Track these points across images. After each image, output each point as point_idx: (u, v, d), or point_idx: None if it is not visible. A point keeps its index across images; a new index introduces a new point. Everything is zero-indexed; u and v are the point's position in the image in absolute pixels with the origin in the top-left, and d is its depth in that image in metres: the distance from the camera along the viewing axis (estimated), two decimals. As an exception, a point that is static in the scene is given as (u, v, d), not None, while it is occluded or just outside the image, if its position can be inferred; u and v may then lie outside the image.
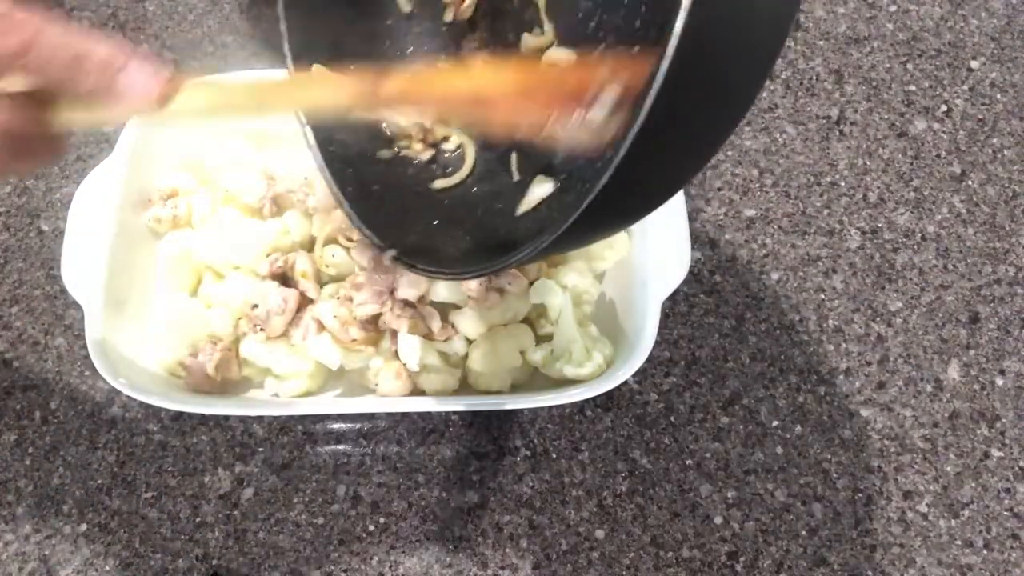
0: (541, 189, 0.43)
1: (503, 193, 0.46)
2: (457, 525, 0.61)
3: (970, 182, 0.73)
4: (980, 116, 0.76)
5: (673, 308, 0.68)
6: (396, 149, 0.50)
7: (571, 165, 0.42)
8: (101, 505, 0.61)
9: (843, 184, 0.73)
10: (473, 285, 0.57)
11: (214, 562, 0.60)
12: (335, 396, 0.61)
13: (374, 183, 0.49)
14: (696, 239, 0.70)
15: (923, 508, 0.62)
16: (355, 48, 0.50)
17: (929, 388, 0.65)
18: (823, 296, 0.69)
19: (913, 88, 0.78)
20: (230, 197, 0.63)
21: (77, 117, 0.35)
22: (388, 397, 0.58)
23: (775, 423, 0.64)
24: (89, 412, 0.64)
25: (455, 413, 0.64)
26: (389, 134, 0.50)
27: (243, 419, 0.64)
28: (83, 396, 0.65)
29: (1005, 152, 0.75)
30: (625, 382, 0.58)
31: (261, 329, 0.58)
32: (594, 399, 0.63)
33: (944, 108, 0.77)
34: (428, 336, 0.58)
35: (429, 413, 0.64)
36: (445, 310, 0.59)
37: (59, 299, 0.68)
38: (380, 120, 0.50)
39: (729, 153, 0.74)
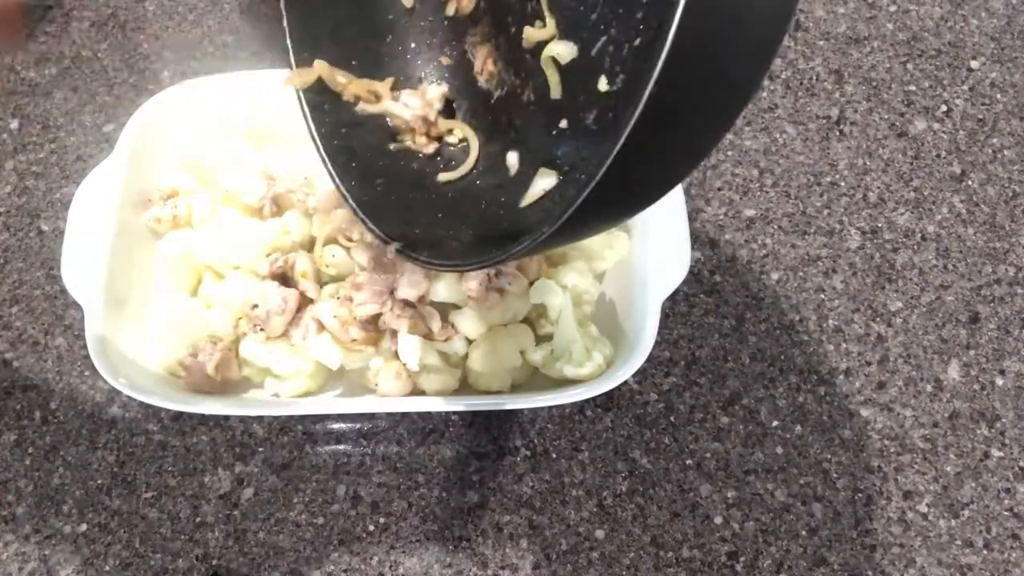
0: (544, 182, 0.43)
1: (506, 186, 0.46)
2: (457, 525, 0.61)
3: (970, 182, 0.73)
4: (980, 116, 0.76)
5: (673, 308, 0.68)
6: (400, 142, 0.51)
7: (574, 158, 0.42)
8: (101, 505, 0.61)
9: (843, 184, 0.73)
10: (473, 285, 0.57)
11: (214, 562, 0.60)
12: (335, 396, 0.61)
13: (378, 176, 0.49)
14: (696, 239, 0.70)
15: (923, 508, 0.62)
16: (357, 43, 0.50)
17: (929, 388, 0.65)
18: (823, 296, 0.69)
19: (913, 88, 0.78)
20: (230, 197, 0.63)
21: None
22: (388, 397, 0.58)
23: (775, 423, 0.64)
24: (89, 412, 0.64)
25: (455, 413, 0.64)
26: (393, 128, 0.50)
27: (243, 419, 0.64)
28: (83, 396, 0.65)
29: (1005, 152, 0.75)
30: (625, 382, 0.58)
31: (261, 329, 0.58)
32: (594, 399, 0.63)
33: (944, 108, 0.77)
34: (428, 336, 0.58)
35: (429, 413, 0.64)
36: (445, 310, 0.59)
37: (59, 299, 0.68)
38: (384, 113, 0.50)
39: (729, 153, 0.74)
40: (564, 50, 0.43)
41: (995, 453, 0.63)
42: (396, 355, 0.58)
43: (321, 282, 0.61)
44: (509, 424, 0.64)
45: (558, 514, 0.61)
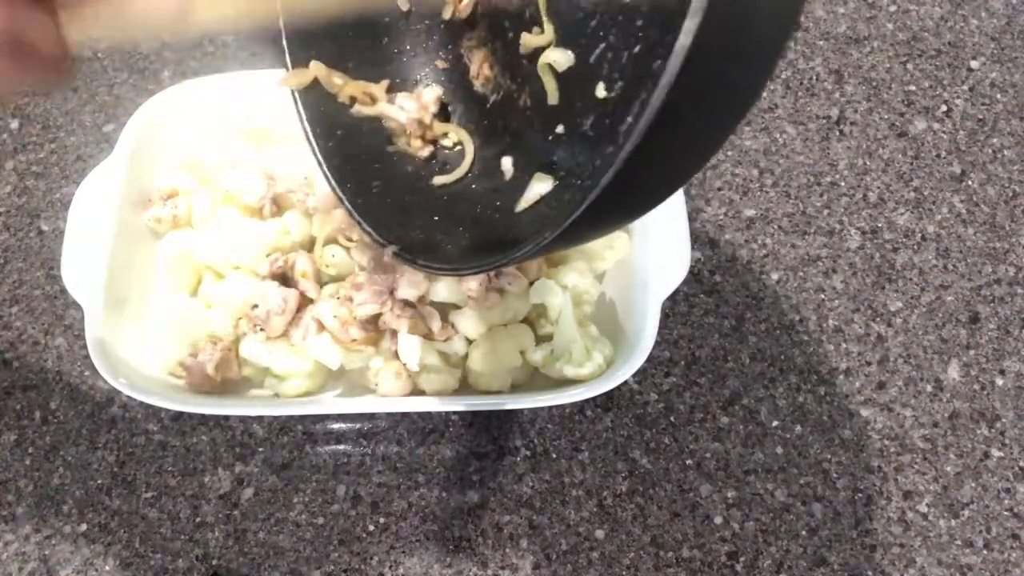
0: (540, 186, 0.43)
1: (502, 190, 0.46)
2: (457, 525, 0.61)
3: (970, 182, 0.73)
4: (980, 116, 0.76)
5: (673, 308, 0.68)
6: (395, 146, 0.50)
7: (570, 163, 0.42)
8: (101, 505, 0.61)
9: (843, 184, 0.73)
10: (473, 285, 0.57)
11: (214, 562, 0.60)
12: (335, 396, 0.61)
13: (374, 180, 0.49)
14: (696, 239, 0.70)
15: (923, 508, 0.62)
16: (353, 45, 0.50)
17: (929, 388, 0.65)
18: (823, 296, 0.69)
19: (913, 88, 0.78)
20: (230, 197, 0.63)
21: (90, 29, 0.35)
22: (388, 397, 0.58)
23: (775, 423, 0.64)
24: (89, 412, 0.64)
25: (455, 413, 0.64)
26: (388, 130, 0.50)
27: (243, 419, 0.64)
28: (83, 396, 0.65)
29: (1005, 152, 0.75)
30: (625, 382, 0.58)
31: (261, 329, 0.58)
32: (594, 399, 0.63)
33: (944, 108, 0.77)
34: (428, 336, 0.58)
35: (429, 413, 0.64)
36: (445, 310, 0.59)
37: (59, 299, 0.68)
38: (379, 116, 0.50)
39: (729, 153, 0.74)
40: (561, 58, 0.43)
41: (995, 453, 0.63)
42: (396, 355, 0.58)
43: (321, 282, 0.61)
44: (509, 424, 0.64)
45: (558, 514, 0.61)
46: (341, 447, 0.63)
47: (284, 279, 0.61)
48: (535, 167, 0.44)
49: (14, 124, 0.76)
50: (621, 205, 0.35)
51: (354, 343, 0.58)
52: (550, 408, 0.64)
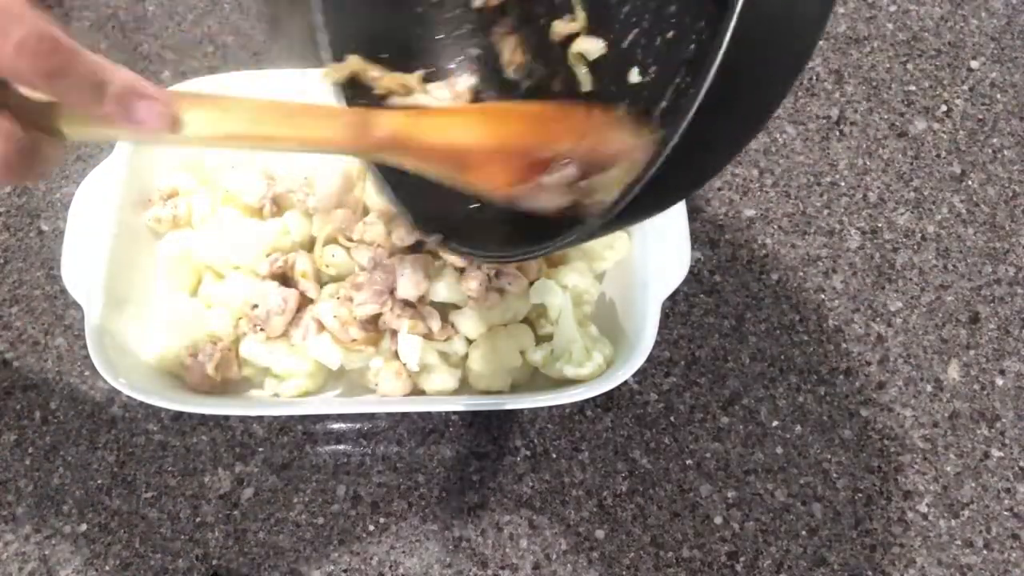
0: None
1: None
2: (457, 525, 0.61)
3: (970, 182, 0.73)
4: (980, 116, 0.76)
5: (673, 308, 0.68)
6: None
7: None
8: (101, 505, 0.61)
9: (843, 184, 0.73)
10: (473, 285, 0.57)
11: (214, 562, 0.60)
12: (335, 396, 0.61)
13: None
14: (696, 239, 0.70)
15: (923, 508, 0.62)
16: (387, 36, 0.51)
17: (929, 388, 0.65)
18: (823, 296, 0.69)
19: (913, 88, 0.78)
20: (230, 197, 0.63)
21: (80, 132, 0.36)
22: (388, 397, 0.58)
23: (775, 423, 0.64)
24: (89, 412, 0.64)
25: (455, 413, 0.64)
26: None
27: (243, 419, 0.64)
28: (83, 396, 0.65)
29: (1005, 152, 0.75)
30: (625, 382, 0.58)
31: (261, 329, 0.58)
32: (594, 399, 0.63)
33: (944, 108, 0.77)
34: (428, 336, 0.58)
35: (429, 413, 0.64)
36: (445, 310, 0.59)
37: (59, 299, 0.68)
38: (415, 106, 0.50)
39: (729, 153, 0.74)
40: (592, 47, 0.43)
41: (995, 453, 0.63)
42: (396, 355, 0.58)
43: (321, 282, 0.61)
44: (509, 424, 0.64)
45: (558, 514, 0.61)
46: (341, 447, 0.63)
47: (284, 279, 0.61)
48: None
49: (14, 124, 0.76)
50: (669, 188, 0.35)
51: (354, 343, 0.58)
52: (550, 408, 0.64)
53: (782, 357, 0.66)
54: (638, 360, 0.55)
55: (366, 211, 0.62)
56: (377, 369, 0.59)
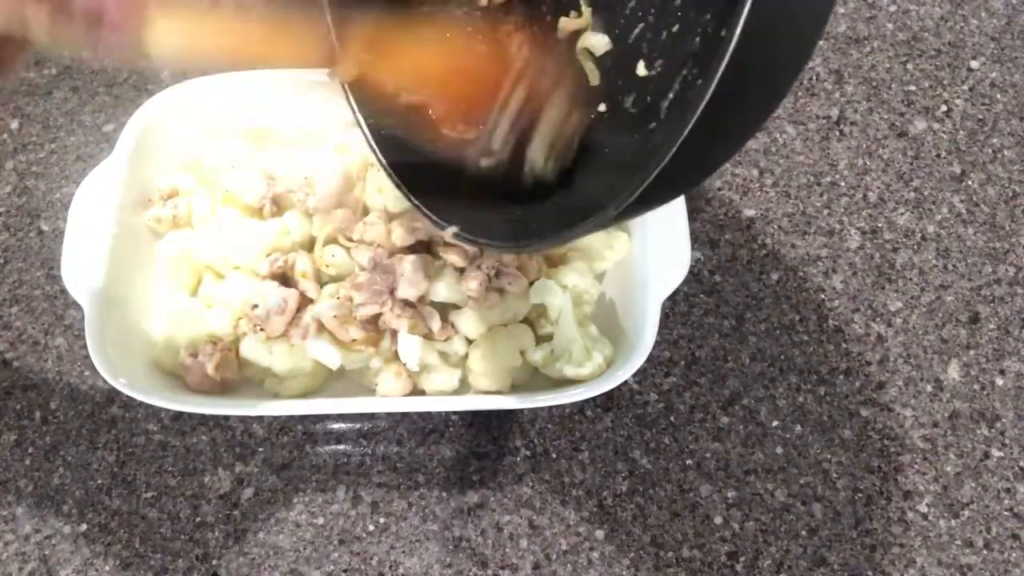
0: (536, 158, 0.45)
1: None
2: (457, 525, 0.61)
3: (970, 182, 0.73)
4: (980, 116, 0.76)
5: (673, 308, 0.68)
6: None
7: (613, 140, 0.43)
8: (101, 505, 0.61)
9: (843, 184, 0.73)
10: (473, 285, 0.57)
11: (214, 562, 0.60)
12: (335, 396, 0.61)
13: (425, 165, 0.50)
14: (696, 239, 0.70)
15: (923, 508, 0.62)
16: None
17: (929, 388, 0.65)
18: (823, 296, 0.69)
19: (913, 88, 0.78)
20: (230, 197, 0.63)
21: (46, 43, 0.36)
22: (388, 397, 0.58)
23: (775, 423, 0.64)
24: (89, 412, 0.64)
25: (455, 413, 0.64)
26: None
27: (243, 419, 0.64)
28: (83, 396, 0.65)
29: (1005, 152, 0.75)
30: (625, 382, 0.58)
31: (261, 329, 0.58)
32: (594, 399, 0.63)
33: (944, 108, 0.77)
34: (428, 336, 0.58)
35: (429, 413, 0.64)
36: (445, 310, 0.59)
37: (59, 299, 0.68)
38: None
39: (729, 153, 0.74)
40: (598, 42, 0.43)
41: (995, 453, 0.63)
42: (396, 355, 0.58)
43: (321, 282, 0.61)
44: (509, 424, 0.64)
45: (558, 514, 0.61)
46: (341, 447, 0.63)
47: (284, 279, 0.61)
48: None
49: (14, 124, 0.76)
50: (678, 178, 0.36)
51: (354, 343, 0.58)
52: (550, 408, 0.64)
53: (782, 357, 0.66)
54: (638, 360, 0.55)
55: (366, 211, 0.62)
56: (377, 369, 0.59)
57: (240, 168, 0.64)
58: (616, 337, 0.59)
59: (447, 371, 0.59)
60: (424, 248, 0.60)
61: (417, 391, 0.59)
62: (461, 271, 0.58)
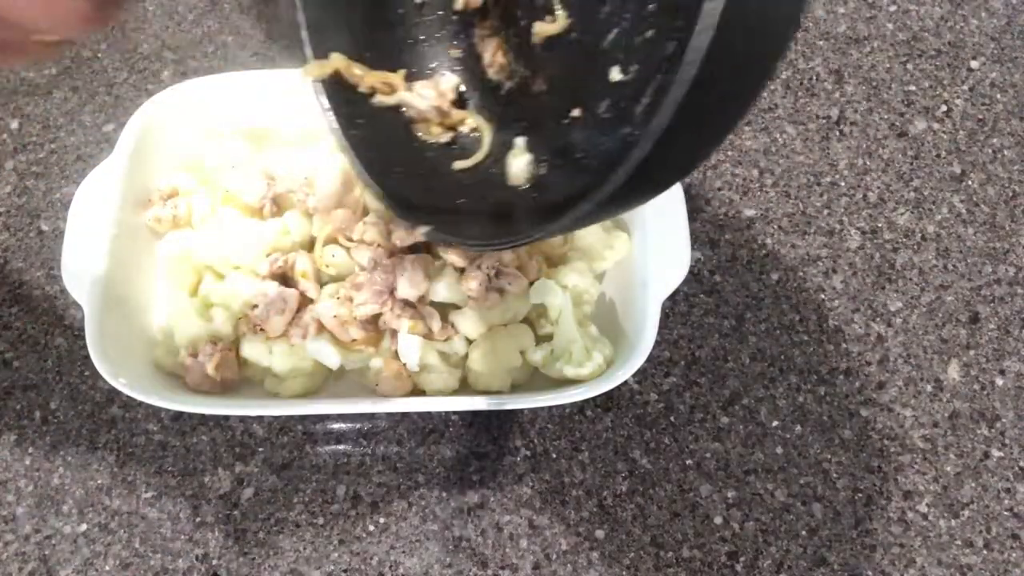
0: (519, 161, 0.45)
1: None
2: (457, 525, 0.61)
3: (970, 182, 0.73)
4: (980, 116, 0.76)
5: (673, 308, 0.68)
6: (416, 132, 0.51)
7: (587, 144, 0.43)
8: (101, 505, 0.61)
9: (843, 184, 0.73)
10: (473, 285, 0.57)
11: (214, 562, 0.60)
12: (335, 396, 0.61)
13: (396, 166, 0.50)
14: (696, 239, 0.70)
15: (923, 508, 0.62)
16: (369, 36, 0.51)
17: (929, 388, 0.65)
18: (823, 296, 0.69)
19: (913, 88, 0.78)
20: (230, 197, 0.63)
21: None
22: (388, 397, 0.58)
23: (775, 423, 0.64)
24: (89, 412, 0.64)
25: (455, 413, 0.64)
26: (408, 118, 0.51)
27: (243, 419, 0.64)
28: (83, 396, 0.65)
29: (1005, 152, 0.75)
30: (625, 382, 0.58)
31: (261, 329, 0.58)
32: (594, 399, 0.63)
33: (944, 108, 0.77)
34: (428, 336, 0.58)
35: (429, 413, 0.64)
36: (445, 310, 0.59)
37: (59, 299, 0.68)
38: (399, 104, 0.50)
39: (729, 153, 0.74)
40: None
41: (995, 453, 0.63)
42: (396, 355, 0.58)
43: (321, 282, 0.61)
44: (509, 424, 0.64)
45: (558, 514, 0.61)
46: (341, 447, 0.63)
47: (284, 279, 0.61)
48: (549, 150, 0.45)
49: (14, 124, 0.76)
50: (645, 183, 0.36)
51: (354, 343, 0.58)
52: (550, 408, 0.64)
53: (782, 357, 0.66)
54: (638, 360, 0.55)
55: (366, 211, 0.62)
56: (377, 369, 0.59)
57: (240, 168, 0.64)
58: (616, 337, 0.59)
59: (447, 371, 0.59)
60: (424, 248, 0.60)
61: (417, 391, 0.59)
62: (461, 271, 0.58)
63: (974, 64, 0.79)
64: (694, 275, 0.69)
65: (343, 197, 0.62)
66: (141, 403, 0.60)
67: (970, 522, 0.61)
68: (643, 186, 0.36)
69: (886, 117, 0.76)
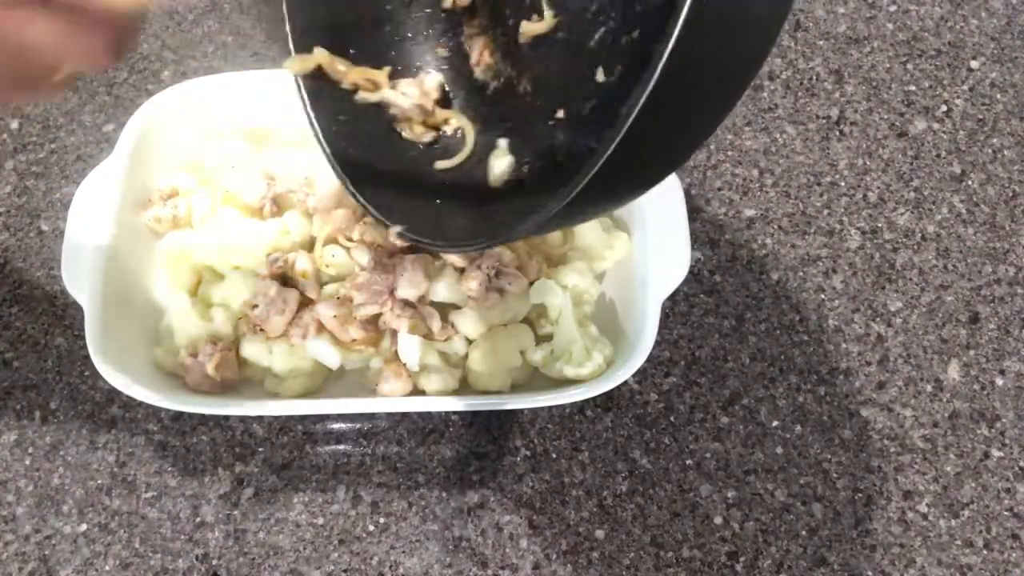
0: (501, 163, 0.45)
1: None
2: (457, 525, 0.61)
3: (970, 182, 0.73)
4: (980, 116, 0.76)
5: (673, 308, 0.68)
6: (399, 131, 0.51)
7: (571, 146, 0.43)
8: (101, 505, 0.61)
9: (843, 184, 0.73)
10: (473, 285, 0.57)
11: (214, 562, 0.60)
12: (335, 396, 0.61)
13: (377, 164, 0.50)
14: (696, 239, 0.70)
15: (923, 508, 0.62)
16: (355, 32, 0.51)
17: (929, 388, 0.65)
18: (823, 296, 0.69)
19: (913, 88, 0.78)
20: (230, 197, 0.64)
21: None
22: (388, 397, 0.58)
23: (775, 423, 0.64)
24: (89, 412, 0.64)
25: (455, 413, 0.64)
26: (390, 116, 0.51)
27: (243, 419, 0.64)
28: (83, 396, 0.65)
29: (1005, 152, 0.75)
30: (625, 382, 0.58)
31: (261, 329, 0.58)
32: (594, 399, 0.63)
33: (944, 108, 0.77)
34: (428, 336, 0.58)
35: (429, 413, 0.64)
36: (445, 310, 0.59)
37: (59, 299, 0.68)
38: (382, 102, 0.50)
39: (729, 153, 0.74)
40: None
41: (995, 453, 0.63)
42: (396, 355, 0.58)
43: (321, 282, 0.61)
44: (509, 424, 0.64)
45: (558, 514, 0.61)
46: (341, 447, 0.63)
47: (284, 279, 0.61)
48: (533, 151, 0.45)
49: (14, 124, 0.76)
50: (619, 183, 0.36)
51: (354, 343, 0.58)
52: (550, 408, 0.64)
53: (782, 357, 0.66)
54: (638, 360, 0.55)
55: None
56: (377, 369, 0.59)
57: (240, 168, 0.64)
58: (616, 337, 0.59)
59: (447, 371, 0.59)
60: (424, 248, 0.60)
61: (417, 391, 0.59)
62: (461, 271, 0.58)
63: (974, 64, 0.79)
64: (694, 275, 0.69)
65: (343, 197, 0.62)
66: (141, 403, 0.60)
67: (970, 522, 0.61)
68: (612, 187, 0.36)
69: (886, 117, 0.76)
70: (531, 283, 0.59)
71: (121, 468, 0.62)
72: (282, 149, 0.65)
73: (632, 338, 0.57)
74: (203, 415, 0.63)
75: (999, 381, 0.66)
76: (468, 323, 0.58)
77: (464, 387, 0.60)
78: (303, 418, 0.64)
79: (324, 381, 0.61)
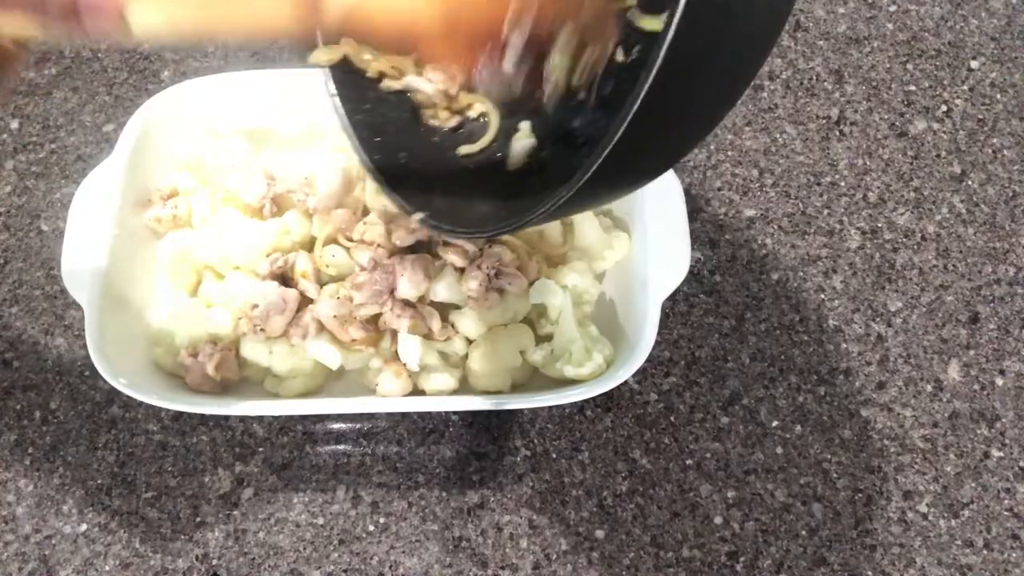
0: (521, 144, 0.46)
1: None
2: (457, 525, 0.61)
3: (970, 182, 0.73)
4: (980, 116, 0.76)
5: (673, 308, 0.68)
6: (422, 117, 0.51)
7: (592, 128, 0.43)
8: (101, 505, 0.61)
9: (843, 184, 0.73)
10: (473, 285, 0.57)
11: (214, 562, 0.60)
12: (335, 396, 0.61)
13: (401, 150, 0.50)
14: (696, 239, 0.70)
15: (923, 508, 0.62)
16: None
17: (929, 388, 0.65)
18: (823, 296, 0.69)
19: (913, 88, 0.78)
20: (230, 197, 0.63)
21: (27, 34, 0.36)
22: (388, 397, 0.58)
23: (775, 423, 0.64)
24: (89, 412, 0.64)
25: (455, 413, 0.64)
26: (416, 103, 0.51)
27: (243, 419, 0.64)
28: (83, 396, 0.65)
29: (1005, 152, 0.75)
30: (625, 382, 0.58)
31: (261, 329, 0.58)
32: (594, 399, 0.63)
33: (944, 108, 0.77)
34: (428, 336, 0.58)
35: (429, 413, 0.64)
36: (445, 310, 0.59)
37: (59, 299, 0.68)
38: (407, 89, 0.50)
39: (729, 153, 0.74)
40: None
41: (995, 453, 0.63)
42: (396, 355, 0.58)
43: (321, 282, 0.61)
44: (509, 424, 0.64)
45: (558, 514, 0.61)
46: (341, 447, 0.63)
47: (284, 279, 0.61)
48: (555, 134, 0.45)
49: (14, 124, 0.76)
50: (633, 165, 0.36)
51: (354, 343, 0.58)
52: (550, 408, 0.64)
53: (782, 357, 0.66)
54: (638, 360, 0.55)
55: (366, 211, 0.62)
56: (377, 369, 0.59)
57: (240, 168, 0.64)
58: (616, 337, 0.59)
59: (447, 371, 0.59)
60: (424, 248, 0.60)
61: (417, 391, 0.59)
62: (461, 271, 0.58)
63: (974, 64, 0.79)
64: (694, 275, 0.69)
65: (343, 197, 0.62)
66: (141, 403, 0.60)
67: (970, 522, 0.61)
68: (621, 172, 0.36)
69: (886, 117, 0.76)
70: (531, 283, 0.59)
71: (121, 468, 0.62)
72: (282, 149, 0.65)
73: (632, 338, 0.57)
74: (203, 415, 0.63)
75: (999, 381, 0.66)
76: (468, 323, 0.58)
77: (464, 387, 0.60)
78: (303, 418, 0.64)
79: (324, 381, 0.61)
